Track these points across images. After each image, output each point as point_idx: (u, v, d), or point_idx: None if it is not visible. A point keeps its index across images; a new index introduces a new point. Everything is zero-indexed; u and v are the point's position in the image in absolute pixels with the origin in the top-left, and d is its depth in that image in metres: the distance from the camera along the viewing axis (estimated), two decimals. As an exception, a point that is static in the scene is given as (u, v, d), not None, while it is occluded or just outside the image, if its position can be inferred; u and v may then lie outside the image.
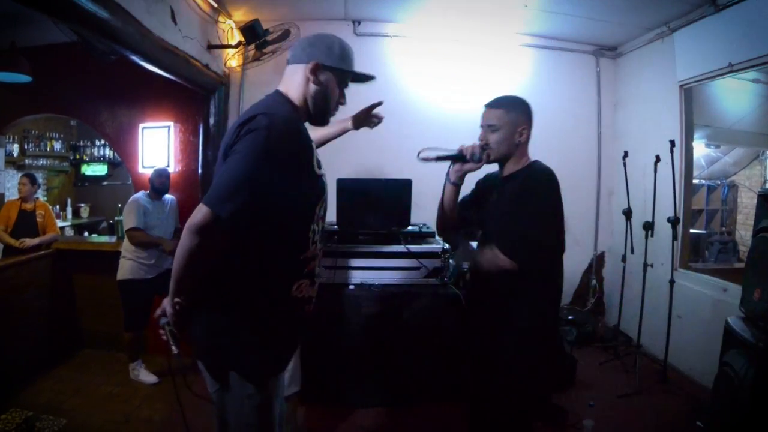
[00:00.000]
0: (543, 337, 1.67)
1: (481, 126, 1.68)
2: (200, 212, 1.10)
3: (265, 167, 1.12)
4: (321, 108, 1.33)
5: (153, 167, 3.49)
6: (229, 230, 1.12)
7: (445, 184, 1.70)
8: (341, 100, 1.38)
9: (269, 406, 1.26)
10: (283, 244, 1.24)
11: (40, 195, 5.73)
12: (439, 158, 1.62)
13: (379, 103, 1.90)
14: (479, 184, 1.87)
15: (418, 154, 1.60)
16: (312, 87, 1.31)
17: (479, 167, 1.63)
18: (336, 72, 1.33)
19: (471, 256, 1.88)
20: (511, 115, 1.63)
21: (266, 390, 1.25)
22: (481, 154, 1.60)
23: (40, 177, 5.81)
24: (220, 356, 1.23)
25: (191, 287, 1.19)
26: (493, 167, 1.77)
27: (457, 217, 1.77)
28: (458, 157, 1.61)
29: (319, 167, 1.31)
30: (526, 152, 1.69)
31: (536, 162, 1.69)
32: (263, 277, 1.23)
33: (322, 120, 1.37)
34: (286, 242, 1.25)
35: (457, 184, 1.68)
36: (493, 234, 1.65)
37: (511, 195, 1.62)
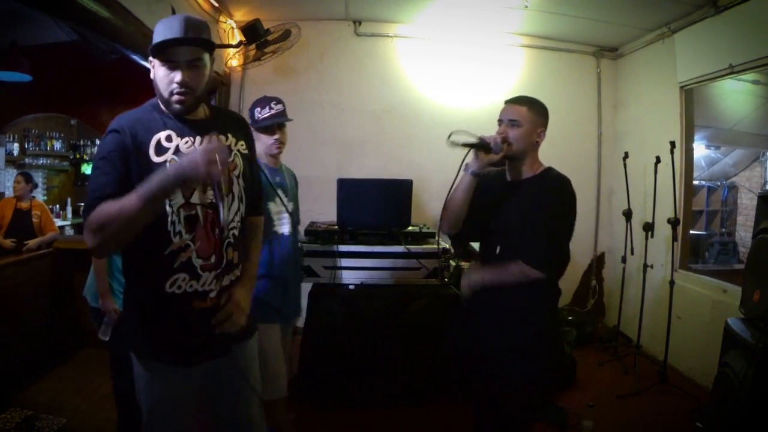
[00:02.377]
0: (554, 338, 1.73)
1: (500, 120, 1.66)
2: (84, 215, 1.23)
3: (101, 164, 1.22)
4: (160, 97, 1.30)
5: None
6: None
7: (460, 176, 1.63)
8: (172, 79, 1.25)
9: (151, 391, 1.33)
10: (138, 240, 1.20)
11: (40, 194, 5.74)
12: (465, 145, 1.57)
13: None
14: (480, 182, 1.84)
15: (449, 137, 1.53)
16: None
17: (499, 159, 1.61)
18: (153, 56, 1.27)
19: (484, 265, 1.73)
20: (534, 113, 1.63)
21: (150, 374, 1.33)
22: (502, 145, 1.59)
23: (40, 176, 5.82)
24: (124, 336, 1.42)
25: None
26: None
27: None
28: (483, 146, 1.57)
29: (159, 154, 1.25)
30: (538, 155, 1.69)
31: (552, 169, 1.68)
32: (135, 274, 1.34)
33: (168, 108, 1.30)
34: (142, 238, 1.20)
35: (479, 175, 1.60)
36: (510, 240, 1.63)
37: (532, 202, 1.60)
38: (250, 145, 1.49)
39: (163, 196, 1.16)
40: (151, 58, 1.30)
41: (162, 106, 1.33)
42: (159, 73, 1.27)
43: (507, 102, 1.67)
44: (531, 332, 1.63)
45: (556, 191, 1.60)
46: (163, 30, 1.24)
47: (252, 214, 1.50)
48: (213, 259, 1.31)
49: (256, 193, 1.54)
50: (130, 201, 1.12)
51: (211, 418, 1.46)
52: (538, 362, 1.63)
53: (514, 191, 1.67)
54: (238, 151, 1.40)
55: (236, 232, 1.37)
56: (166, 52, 1.24)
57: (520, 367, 1.61)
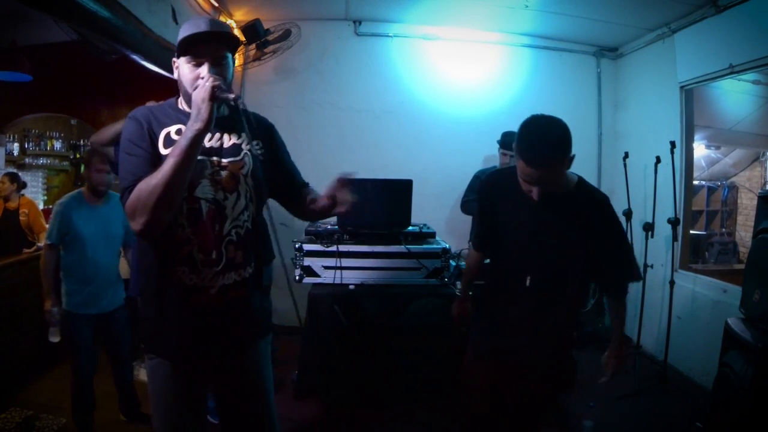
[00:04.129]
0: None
1: (530, 182, 1.42)
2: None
3: (127, 148, 1.25)
4: (184, 95, 1.34)
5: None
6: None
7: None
8: (198, 74, 1.27)
9: (151, 375, 1.36)
10: None
11: (40, 194, 5.73)
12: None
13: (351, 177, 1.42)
14: (498, 200, 1.70)
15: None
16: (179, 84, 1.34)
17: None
18: (180, 56, 1.30)
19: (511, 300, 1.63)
20: (567, 157, 1.41)
21: (151, 367, 1.35)
22: None
23: (40, 176, 5.81)
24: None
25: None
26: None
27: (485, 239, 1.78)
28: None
29: (168, 146, 1.26)
30: None
31: (582, 181, 1.57)
32: (144, 264, 1.34)
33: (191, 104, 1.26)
34: None
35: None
36: (545, 267, 1.53)
37: (574, 224, 1.49)
38: (270, 145, 1.44)
39: (191, 147, 1.16)
40: (174, 59, 1.33)
41: (180, 105, 1.36)
42: (184, 71, 1.29)
43: (540, 165, 1.38)
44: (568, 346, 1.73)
45: (611, 213, 1.55)
46: (190, 27, 1.27)
47: (292, 204, 1.52)
48: (214, 255, 1.28)
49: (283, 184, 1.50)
50: (164, 167, 1.14)
51: (222, 422, 1.45)
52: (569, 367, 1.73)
53: (544, 211, 1.49)
54: (249, 151, 1.37)
55: (241, 231, 1.33)
56: (192, 50, 1.26)
57: (554, 369, 1.70)
